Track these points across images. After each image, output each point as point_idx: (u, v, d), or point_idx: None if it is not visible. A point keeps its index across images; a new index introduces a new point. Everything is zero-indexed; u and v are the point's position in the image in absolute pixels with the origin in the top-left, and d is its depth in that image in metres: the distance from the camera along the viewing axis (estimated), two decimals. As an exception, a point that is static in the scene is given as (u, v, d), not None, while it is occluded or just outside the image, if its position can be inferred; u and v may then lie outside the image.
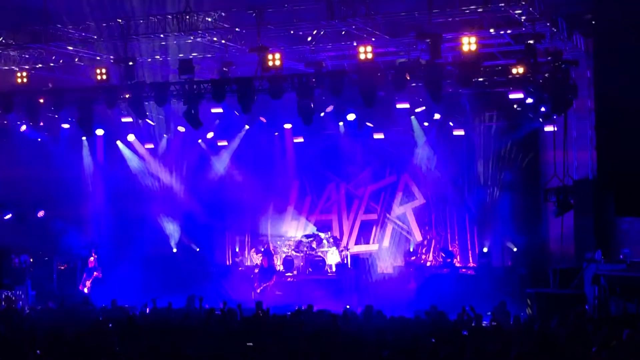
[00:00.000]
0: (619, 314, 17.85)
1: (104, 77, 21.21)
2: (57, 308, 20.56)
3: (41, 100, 22.60)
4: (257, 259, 27.39)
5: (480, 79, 21.30)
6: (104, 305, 20.33)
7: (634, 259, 20.51)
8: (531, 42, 19.57)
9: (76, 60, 23.00)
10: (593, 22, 21.49)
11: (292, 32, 21.01)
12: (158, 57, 22.49)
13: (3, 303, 21.93)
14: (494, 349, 12.24)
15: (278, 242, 28.14)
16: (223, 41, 21.32)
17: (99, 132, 25.93)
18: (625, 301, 18.04)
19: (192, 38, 21.09)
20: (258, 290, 25.20)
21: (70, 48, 21.86)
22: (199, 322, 16.03)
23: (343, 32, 21.16)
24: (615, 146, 19.64)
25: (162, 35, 20.70)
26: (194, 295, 19.73)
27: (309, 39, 21.40)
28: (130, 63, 21.09)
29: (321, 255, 26.38)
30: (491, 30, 20.05)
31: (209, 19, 20.20)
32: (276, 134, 28.07)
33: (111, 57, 21.87)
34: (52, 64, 23.13)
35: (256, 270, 26.24)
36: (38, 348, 12.67)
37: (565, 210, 21.30)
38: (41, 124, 24.10)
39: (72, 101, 22.48)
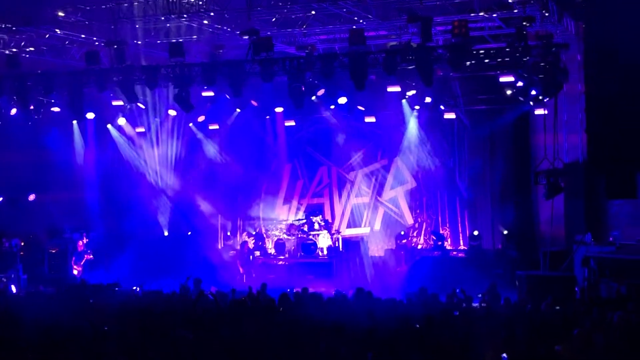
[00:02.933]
0: (609, 296, 17.97)
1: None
2: (53, 292, 20.53)
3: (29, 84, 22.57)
4: (250, 243, 27.47)
5: (471, 62, 21.28)
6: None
7: (624, 241, 20.65)
8: (522, 25, 19.60)
9: (66, 43, 22.91)
10: (584, 5, 21.52)
11: (283, 15, 20.96)
12: (159, 41, 22.41)
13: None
14: (485, 330, 12.31)
15: (270, 226, 28.19)
16: (214, 24, 21.26)
17: (90, 115, 25.83)
18: (618, 284, 18.17)
19: (182, 21, 21.03)
20: (241, 270, 25.34)
21: (60, 31, 21.77)
22: (189, 305, 16.06)
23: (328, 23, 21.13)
24: (605, 129, 19.73)
25: (153, 18, 20.63)
26: (198, 279, 19.76)
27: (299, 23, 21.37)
28: (121, 46, 21.02)
29: (313, 238, 26.44)
30: (482, 13, 20.04)
31: (200, 2, 20.14)
32: (267, 117, 28.04)
33: (102, 40, 21.78)
34: (42, 47, 23.04)
35: (232, 253, 26.53)
36: (27, 332, 12.66)
37: (556, 193, 21.38)
38: (31, 107, 24.02)
39: (63, 84, 22.43)
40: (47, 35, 22.26)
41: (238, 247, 27.67)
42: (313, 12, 20.68)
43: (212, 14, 20.48)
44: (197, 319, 13.59)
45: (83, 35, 22.18)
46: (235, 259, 26.52)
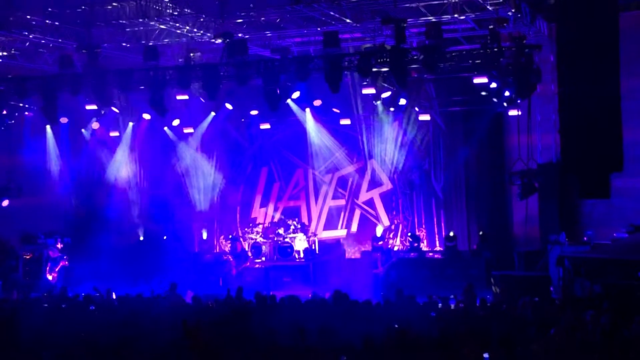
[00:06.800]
0: (584, 295, 18.10)
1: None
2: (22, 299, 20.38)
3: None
4: (226, 246, 27.38)
5: (445, 64, 21.38)
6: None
7: (598, 240, 20.82)
8: (495, 26, 19.74)
9: (39, 48, 22.77)
10: (556, 7, 21.65)
11: (257, 18, 20.97)
12: (132, 44, 22.34)
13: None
14: (462, 330, 12.36)
15: (246, 229, 28.13)
16: (188, 28, 21.22)
17: (63, 120, 25.64)
18: (592, 283, 18.30)
19: (156, 24, 20.97)
20: (234, 273, 25.21)
21: (33, 36, 21.63)
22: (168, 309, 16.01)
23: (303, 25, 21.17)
24: (578, 129, 19.86)
25: (126, 22, 20.56)
26: (173, 283, 19.65)
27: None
28: (93, 50, 20.91)
29: (289, 241, 26.42)
30: (455, 15, 20.16)
31: (174, 6, 20.10)
32: (242, 120, 28.00)
33: (75, 44, 21.65)
34: (14, 52, 22.87)
35: (230, 257, 26.30)
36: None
37: (530, 193, 21.54)
38: (4, 112, 23.84)
39: (36, 89, 22.26)
40: (19, 40, 22.11)
41: (216, 251, 27.55)
42: (287, 15, 20.73)
43: (186, 17, 20.48)
44: (176, 323, 13.53)
45: (57, 40, 22.05)
46: (214, 263, 26.31)
